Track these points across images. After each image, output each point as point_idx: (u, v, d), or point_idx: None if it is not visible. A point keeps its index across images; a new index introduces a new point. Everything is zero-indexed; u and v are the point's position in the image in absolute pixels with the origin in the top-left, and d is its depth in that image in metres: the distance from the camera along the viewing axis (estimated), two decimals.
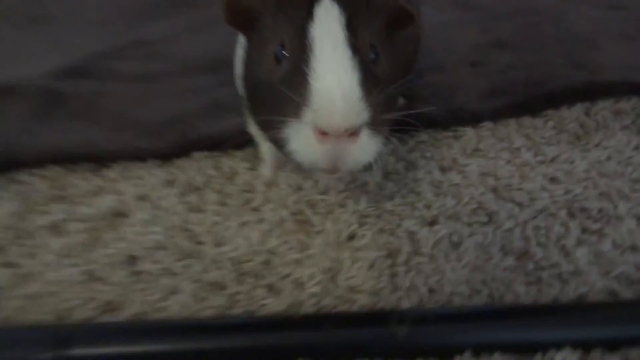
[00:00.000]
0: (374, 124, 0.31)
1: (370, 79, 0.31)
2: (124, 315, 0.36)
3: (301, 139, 0.31)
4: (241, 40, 0.40)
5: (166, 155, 0.50)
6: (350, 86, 0.30)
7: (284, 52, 0.32)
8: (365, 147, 0.32)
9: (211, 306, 0.36)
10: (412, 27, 0.49)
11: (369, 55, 0.33)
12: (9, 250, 0.41)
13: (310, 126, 0.30)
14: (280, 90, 0.31)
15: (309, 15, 0.32)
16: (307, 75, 0.30)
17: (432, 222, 0.43)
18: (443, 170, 0.49)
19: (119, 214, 0.44)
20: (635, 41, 0.70)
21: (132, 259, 0.40)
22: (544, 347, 0.33)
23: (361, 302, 0.37)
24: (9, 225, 0.43)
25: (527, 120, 0.57)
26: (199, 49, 0.67)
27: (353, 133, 0.30)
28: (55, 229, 0.43)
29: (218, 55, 0.63)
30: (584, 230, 0.42)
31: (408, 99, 0.58)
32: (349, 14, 0.32)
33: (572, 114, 0.57)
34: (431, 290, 0.38)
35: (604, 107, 0.58)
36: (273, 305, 0.37)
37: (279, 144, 0.33)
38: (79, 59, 0.63)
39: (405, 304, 0.37)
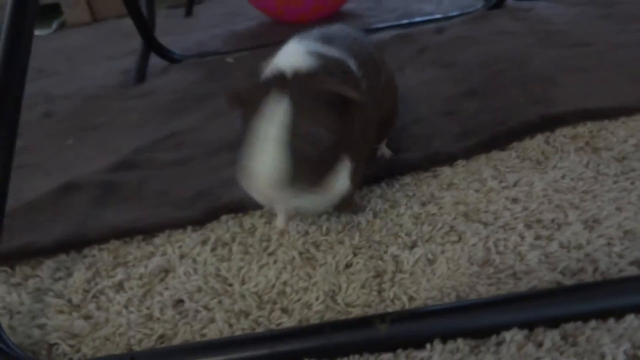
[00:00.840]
0: (296, 189, 0.43)
1: (298, 155, 0.42)
2: (175, 343, 0.47)
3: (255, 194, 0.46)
4: None
5: (199, 221, 0.63)
6: (271, 165, 0.42)
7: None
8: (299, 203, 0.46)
9: (240, 328, 0.47)
10: (390, 89, 0.62)
11: (304, 137, 0.43)
12: (85, 307, 0.53)
13: None
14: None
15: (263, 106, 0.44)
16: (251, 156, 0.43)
17: (412, 246, 0.53)
18: (423, 204, 0.60)
19: (167, 270, 0.56)
20: (589, 72, 0.80)
21: (178, 302, 0.52)
22: (496, 330, 0.41)
23: (355, 313, 0.47)
24: (85, 289, 0.56)
25: (495, 154, 0.67)
26: (218, 133, 0.82)
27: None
28: (119, 287, 0.55)
29: (233, 137, 0.77)
30: (537, 237, 0.52)
31: (393, 151, 0.70)
32: (291, 103, 0.43)
33: (534, 144, 0.67)
34: (411, 298, 0.47)
35: (562, 134, 0.68)
36: (287, 323, 0.47)
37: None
38: (125, 155, 0.78)
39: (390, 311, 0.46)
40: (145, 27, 1.19)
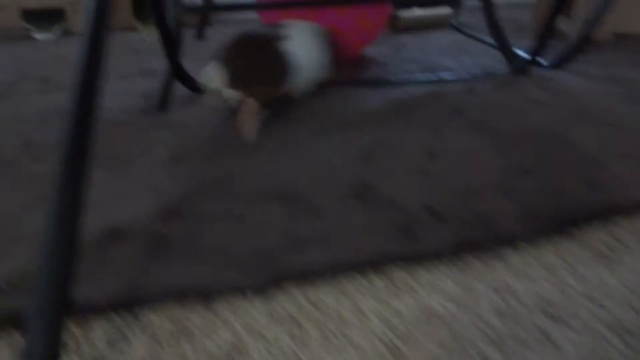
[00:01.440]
0: None
1: None
2: None
3: None
4: None
5: (261, 287, 0.59)
6: None
7: None
8: None
9: None
10: None
11: None
12: None
13: None
14: None
15: None
16: None
17: (501, 345, 0.52)
18: (497, 291, 0.59)
19: (235, 346, 0.52)
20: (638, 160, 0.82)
21: None
22: None
23: None
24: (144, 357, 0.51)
25: (557, 241, 0.67)
26: (266, 181, 0.79)
27: None
28: None
29: (283, 186, 0.75)
30: (627, 345, 0.51)
31: (444, 219, 0.69)
32: None
33: (595, 234, 0.67)
34: None
35: (622, 226, 0.69)
36: None
37: None
38: (171, 200, 0.73)
39: None
40: (174, 52, 1.15)
